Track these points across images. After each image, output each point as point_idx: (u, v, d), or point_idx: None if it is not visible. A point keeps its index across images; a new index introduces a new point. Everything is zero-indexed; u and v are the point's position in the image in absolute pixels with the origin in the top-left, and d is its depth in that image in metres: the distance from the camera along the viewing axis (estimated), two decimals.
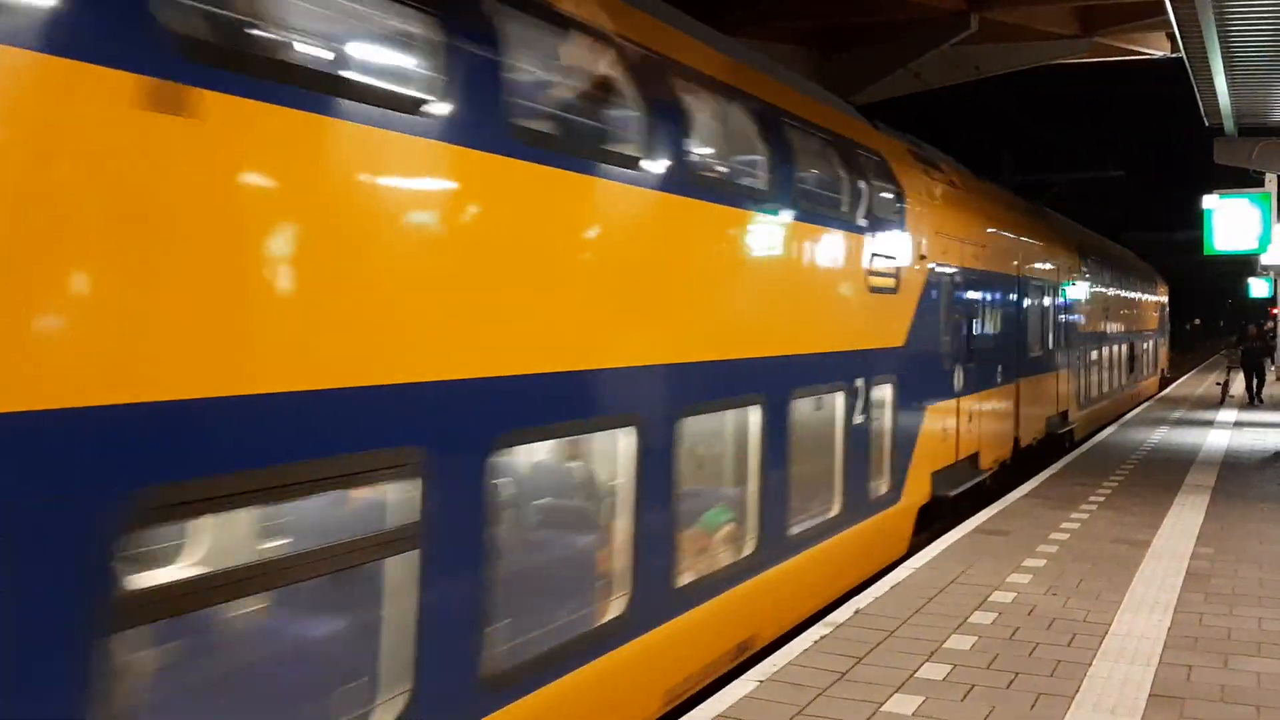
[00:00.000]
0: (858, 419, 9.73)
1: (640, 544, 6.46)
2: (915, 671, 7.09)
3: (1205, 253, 22.03)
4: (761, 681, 6.88)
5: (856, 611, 8.49)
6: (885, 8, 20.36)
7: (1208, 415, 25.76)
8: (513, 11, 5.36)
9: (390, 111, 4.50)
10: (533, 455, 6.71)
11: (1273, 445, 19.21)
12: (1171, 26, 12.33)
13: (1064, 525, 11.95)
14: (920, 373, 11.72)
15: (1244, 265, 43.04)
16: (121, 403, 3.39)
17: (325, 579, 4.40)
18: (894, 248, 10.89)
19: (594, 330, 6.08)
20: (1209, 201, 20.97)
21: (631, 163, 6.50)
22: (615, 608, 6.34)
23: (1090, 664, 7.25)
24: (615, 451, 6.48)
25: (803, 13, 20.44)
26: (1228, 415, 25.72)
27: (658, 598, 6.65)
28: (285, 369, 3.99)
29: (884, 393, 10.55)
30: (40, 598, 3.17)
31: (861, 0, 20.19)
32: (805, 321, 8.93)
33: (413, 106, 4.71)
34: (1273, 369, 29.99)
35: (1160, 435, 21.42)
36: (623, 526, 6.46)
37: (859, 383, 9.73)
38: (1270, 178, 20.94)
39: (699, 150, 7.54)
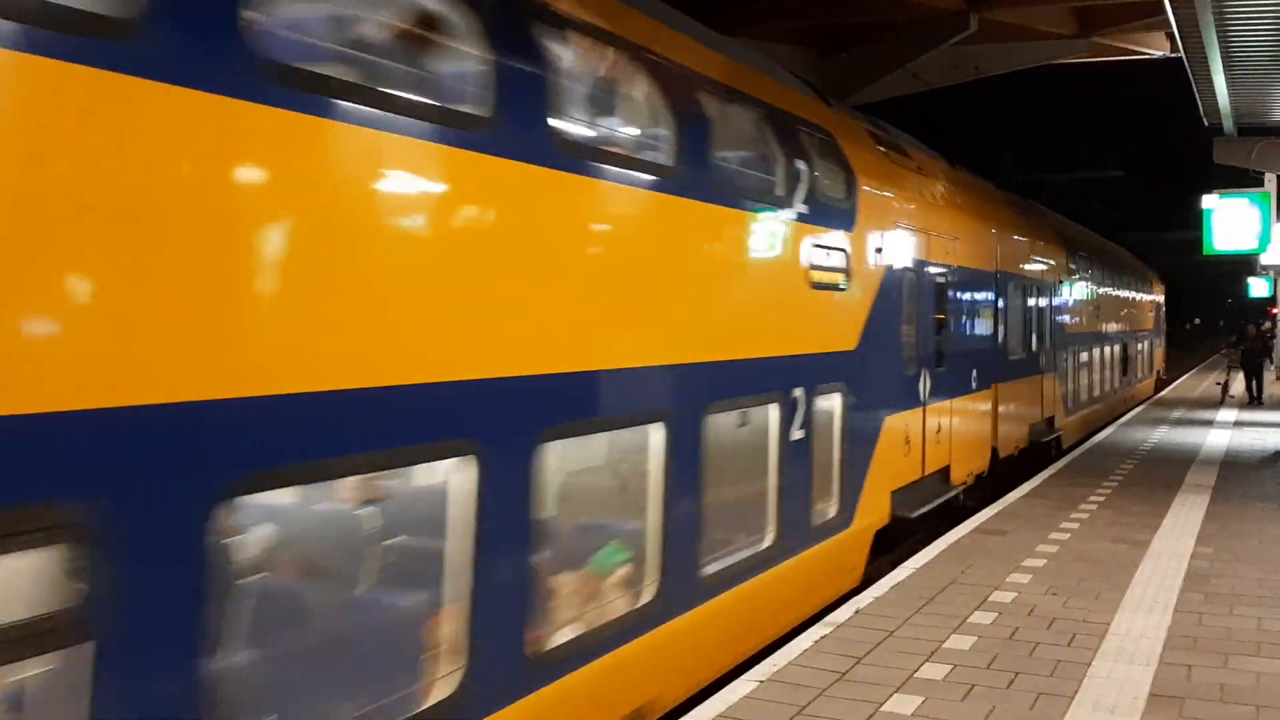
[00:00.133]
0: (795, 434, 8.48)
1: (481, 603, 4.96)
2: (915, 671, 7.10)
3: (1205, 253, 22.03)
4: (761, 681, 6.88)
5: (857, 611, 8.50)
6: (884, 8, 20.37)
7: (1207, 415, 25.76)
8: None
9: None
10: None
11: (1273, 445, 19.21)
12: (1171, 26, 12.34)
13: (1064, 525, 11.95)
14: (877, 379, 10.46)
15: (1244, 265, 43.03)
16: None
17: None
18: (843, 239, 9.57)
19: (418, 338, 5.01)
20: (1208, 201, 20.98)
21: (462, 121, 5.11)
22: (442, 689, 4.87)
23: (1090, 664, 7.26)
24: (443, 488, 5.06)
25: (800, 12, 20.44)
26: (1227, 415, 25.73)
27: (507, 667, 5.22)
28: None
29: (831, 403, 9.31)
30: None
31: (859, 0, 20.20)
32: (722, 323, 7.57)
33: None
34: (1271, 369, 29.95)
35: (1160, 435, 21.42)
36: (455, 586, 4.97)
37: (797, 393, 8.49)
38: (1270, 177, 20.95)
39: (569, 112, 6.02)
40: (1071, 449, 19.14)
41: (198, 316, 3.69)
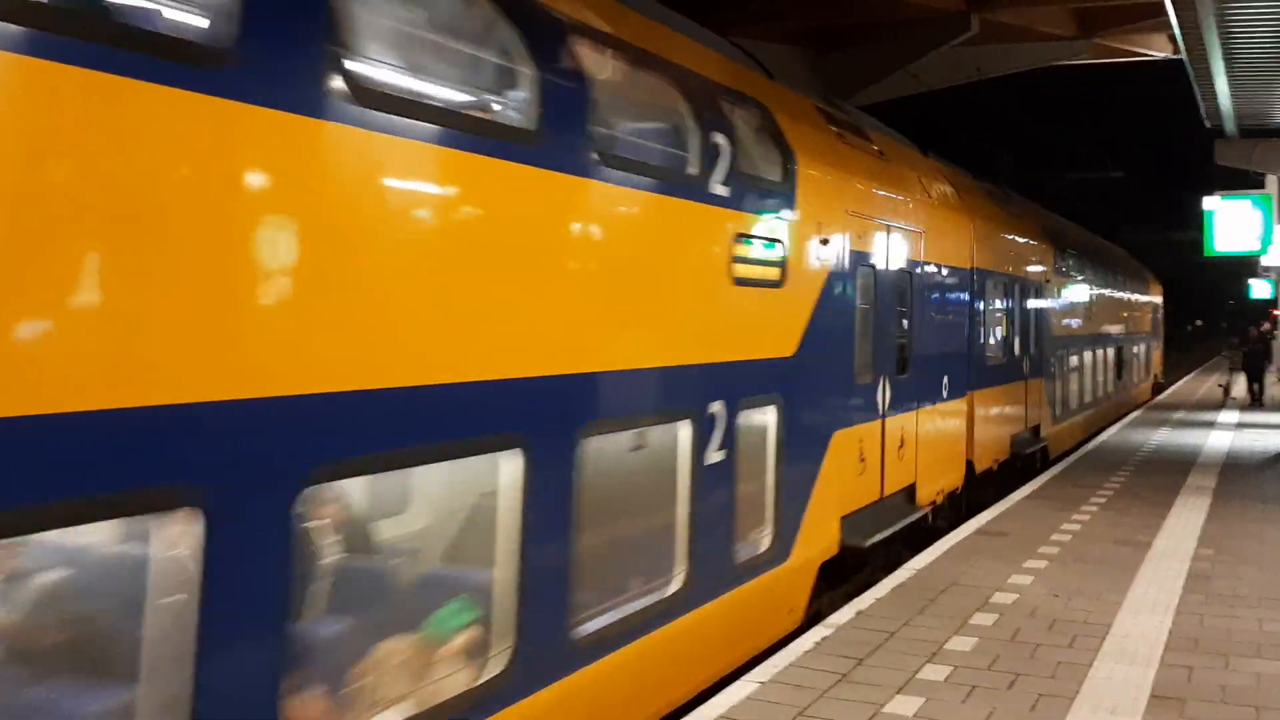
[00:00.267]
0: (713, 457, 7.17)
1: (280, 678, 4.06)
2: (916, 673, 7.10)
3: (1205, 254, 22.11)
4: (763, 683, 6.88)
5: (858, 613, 8.50)
6: (882, 8, 20.39)
7: (1209, 417, 25.77)
8: None
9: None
10: None
11: (1274, 446, 19.22)
12: (1172, 28, 12.35)
13: (1065, 526, 11.95)
14: (823, 389, 9.14)
15: (1245, 266, 43.04)
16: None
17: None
18: (778, 228, 8.24)
19: None
20: (1210, 203, 21.03)
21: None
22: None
23: (1091, 665, 7.26)
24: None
25: (798, 13, 20.47)
26: (1229, 416, 25.73)
27: None
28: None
29: (762, 418, 8.04)
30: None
31: (858, 1, 20.22)
32: (604, 326, 6.13)
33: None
34: (1273, 370, 29.95)
35: (1162, 436, 21.42)
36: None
37: (715, 408, 7.19)
38: (1271, 178, 21.00)
39: (385, 58, 5.05)
40: (1052, 464, 17.64)
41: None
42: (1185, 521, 12.26)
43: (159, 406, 3.55)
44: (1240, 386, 30.72)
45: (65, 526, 3.75)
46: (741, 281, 7.64)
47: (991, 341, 15.24)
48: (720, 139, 7.40)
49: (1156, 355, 37.82)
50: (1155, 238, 59.27)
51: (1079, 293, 22.35)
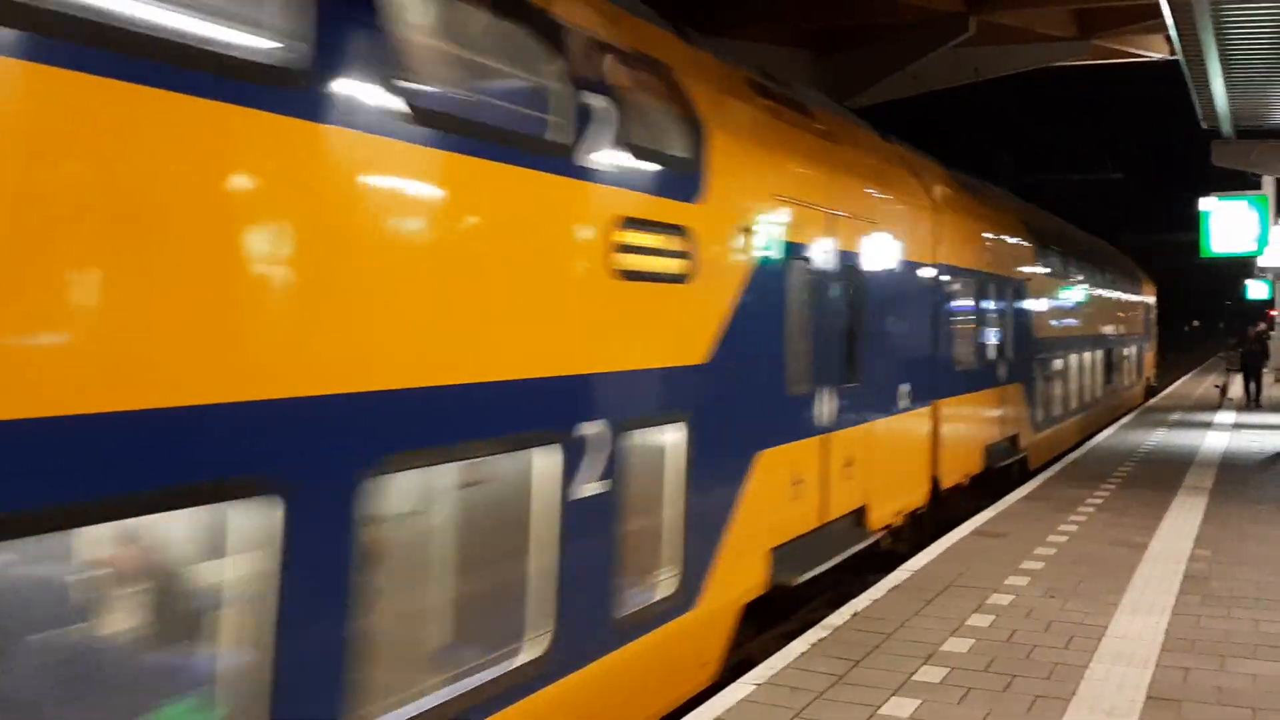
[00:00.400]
0: (586, 489, 5.85)
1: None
2: (913, 674, 7.10)
3: (1202, 255, 22.13)
4: (759, 685, 6.89)
5: (854, 614, 8.51)
6: (881, 10, 20.44)
7: (1206, 418, 25.79)
8: None
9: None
10: None
11: (1271, 447, 19.24)
12: (1169, 30, 12.37)
13: (1062, 527, 11.96)
14: (745, 403, 7.85)
15: (1242, 267, 43.07)
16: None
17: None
18: (681, 212, 6.95)
19: None
20: (1206, 204, 21.06)
21: None
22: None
23: (1088, 666, 7.27)
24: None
25: (797, 15, 20.51)
26: (1226, 417, 25.76)
27: None
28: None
29: (661, 438, 6.85)
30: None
31: (857, 3, 20.27)
32: (410, 330, 4.73)
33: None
34: (1270, 371, 29.96)
35: (1159, 437, 21.44)
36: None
37: (590, 429, 5.88)
38: (1268, 180, 21.04)
39: None
40: (1032, 475, 16.39)
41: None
42: (1182, 522, 12.27)
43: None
44: (1237, 387, 30.74)
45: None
46: (629, 275, 6.31)
47: (961, 344, 13.94)
48: (599, 102, 6.06)
49: (1149, 357, 36.65)
50: (1154, 239, 59.33)
51: (1063, 291, 21.12)
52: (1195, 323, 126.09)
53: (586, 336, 6.03)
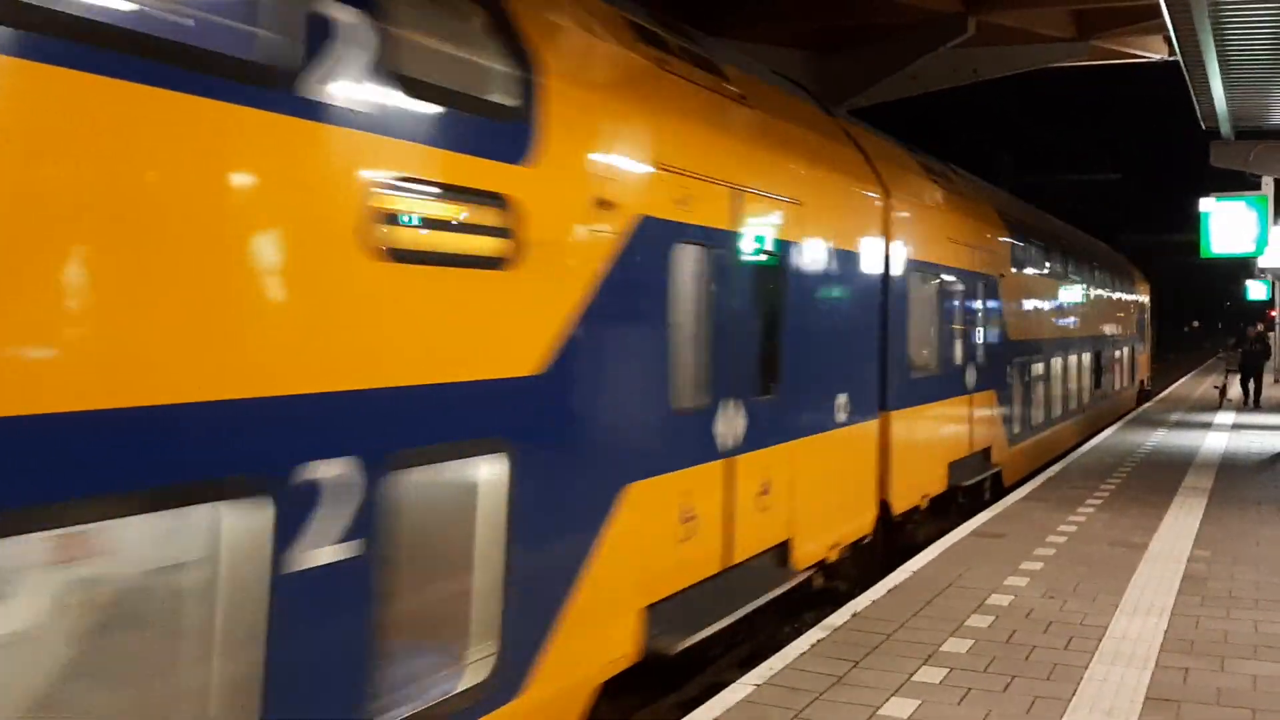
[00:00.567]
0: (322, 555, 4.22)
1: None
2: (912, 675, 7.11)
3: (1202, 255, 22.09)
4: (758, 685, 6.89)
5: (854, 615, 8.51)
6: (880, 10, 20.45)
7: (1205, 418, 25.79)
8: None
9: None
10: None
11: (1270, 448, 19.25)
12: (1168, 31, 12.37)
13: (1061, 528, 11.96)
14: (602, 424, 6.25)
15: (1242, 268, 43.13)
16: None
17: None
18: (494, 175, 5.31)
19: None
20: (1206, 204, 21.04)
21: None
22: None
23: (1087, 667, 7.27)
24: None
25: (797, 15, 20.53)
26: (1225, 418, 25.77)
27: None
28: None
29: (464, 475, 5.30)
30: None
31: (856, 3, 20.28)
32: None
33: None
34: (1270, 371, 29.95)
35: (1158, 438, 21.44)
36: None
37: (324, 470, 4.25)
38: (1267, 180, 21.03)
39: None
40: (1007, 492, 14.89)
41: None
42: (1181, 523, 12.28)
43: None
44: (1237, 388, 30.75)
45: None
46: (402, 256, 4.70)
47: (918, 348, 12.18)
48: (347, 16, 4.42)
49: (1143, 360, 34.74)
50: (1153, 239, 59.39)
51: (1046, 289, 19.34)
52: (1195, 323, 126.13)
53: (314, 337, 4.27)
